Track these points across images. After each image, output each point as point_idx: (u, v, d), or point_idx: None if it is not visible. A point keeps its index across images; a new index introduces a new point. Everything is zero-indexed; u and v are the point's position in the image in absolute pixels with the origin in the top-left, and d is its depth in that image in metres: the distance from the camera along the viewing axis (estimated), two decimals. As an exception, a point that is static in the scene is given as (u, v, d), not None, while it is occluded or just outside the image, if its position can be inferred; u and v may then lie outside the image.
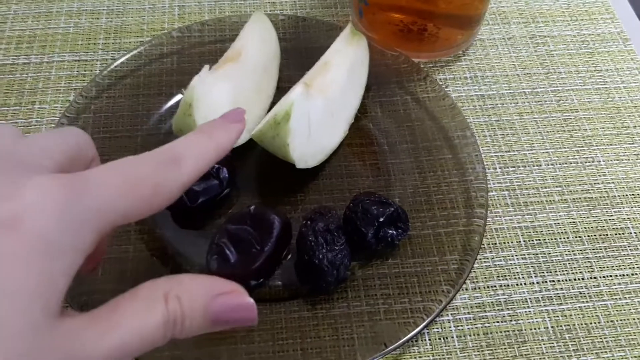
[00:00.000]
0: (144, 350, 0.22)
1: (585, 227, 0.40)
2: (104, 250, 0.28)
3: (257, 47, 0.44)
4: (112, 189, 0.22)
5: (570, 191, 0.42)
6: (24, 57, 0.48)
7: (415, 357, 0.35)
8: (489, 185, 0.40)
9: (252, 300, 0.24)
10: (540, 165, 0.43)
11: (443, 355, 0.35)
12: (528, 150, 0.44)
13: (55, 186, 0.21)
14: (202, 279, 0.24)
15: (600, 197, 0.42)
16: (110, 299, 0.22)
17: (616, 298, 0.37)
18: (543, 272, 0.38)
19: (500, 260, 0.39)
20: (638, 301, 0.37)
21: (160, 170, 0.23)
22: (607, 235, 0.40)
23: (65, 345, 0.20)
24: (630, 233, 0.40)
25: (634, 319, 0.37)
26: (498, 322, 0.36)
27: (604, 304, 0.37)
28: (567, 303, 0.37)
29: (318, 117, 0.39)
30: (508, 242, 0.40)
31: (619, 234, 0.40)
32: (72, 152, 0.24)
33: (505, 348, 0.35)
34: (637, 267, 0.39)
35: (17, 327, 0.19)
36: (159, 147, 0.24)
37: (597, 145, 0.44)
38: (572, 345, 0.36)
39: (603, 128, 0.45)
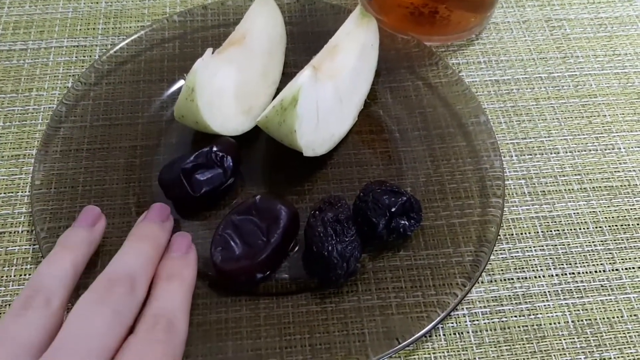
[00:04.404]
0: None
1: (605, 217, 0.39)
2: None
3: (262, 30, 0.42)
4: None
5: (590, 179, 0.40)
6: (21, 43, 0.46)
7: (429, 353, 0.33)
8: (504, 174, 0.39)
9: None
10: (558, 153, 0.41)
11: (458, 351, 0.34)
12: (545, 137, 0.42)
13: None
14: None
15: (621, 185, 0.40)
16: None
17: (639, 291, 0.36)
18: (562, 264, 0.37)
19: (518, 252, 0.37)
20: (662, 294, 0.36)
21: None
22: (628, 225, 0.38)
23: None
24: (653, 223, 0.39)
25: (658, 313, 0.35)
26: (516, 316, 0.35)
27: (627, 297, 0.36)
28: (588, 296, 0.36)
29: (326, 103, 0.37)
30: (525, 233, 0.38)
31: (642, 224, 0.38)
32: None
33: (523, 343, 0.34)
34: (661, 259, 0.37)
35: None
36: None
37: (617, 132, 0.43)
38: (593, 340, 0.34)
39: (623, 114, 0.44)
